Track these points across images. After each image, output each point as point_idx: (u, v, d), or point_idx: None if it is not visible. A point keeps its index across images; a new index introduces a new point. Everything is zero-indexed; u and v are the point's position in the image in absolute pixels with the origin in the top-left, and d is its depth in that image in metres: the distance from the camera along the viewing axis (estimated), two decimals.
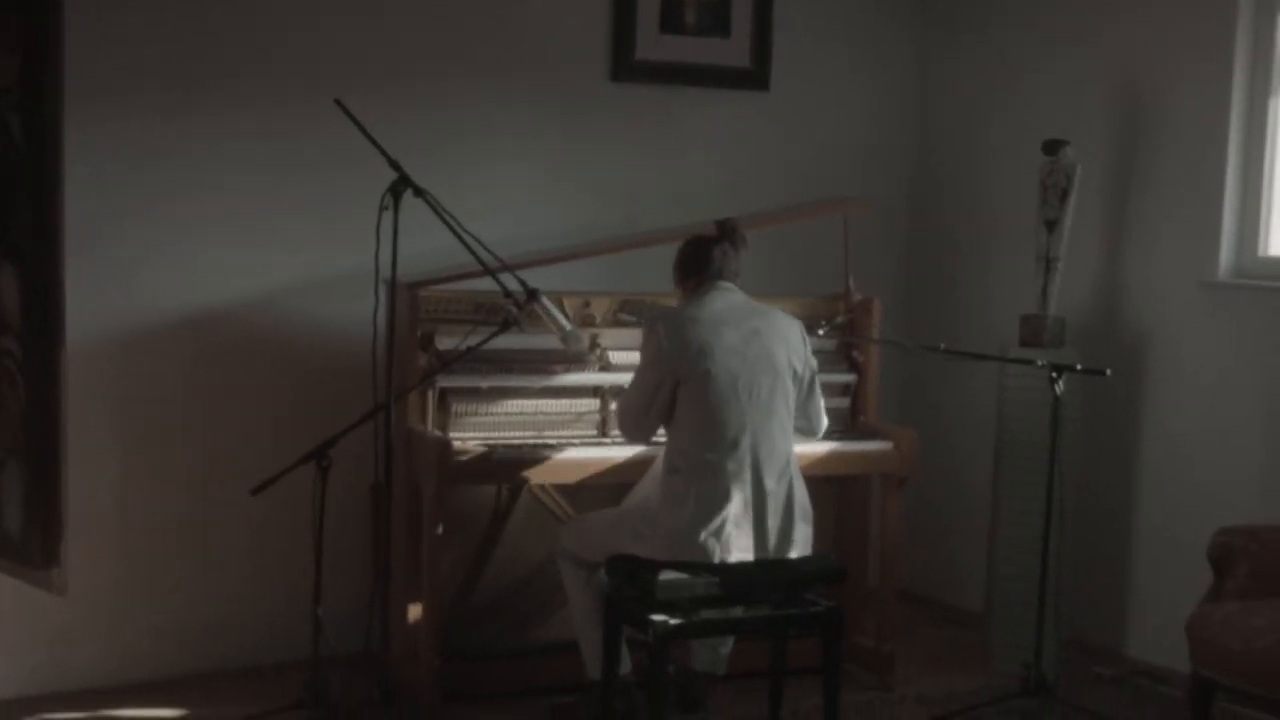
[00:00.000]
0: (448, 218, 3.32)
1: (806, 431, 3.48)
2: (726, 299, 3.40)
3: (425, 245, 3.65)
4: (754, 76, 4.68)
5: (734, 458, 3.30)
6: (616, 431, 3.65)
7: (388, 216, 3.28)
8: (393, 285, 3.32)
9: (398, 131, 3.67)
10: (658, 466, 3.44)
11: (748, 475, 3.30)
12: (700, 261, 3.46)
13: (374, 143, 3.29)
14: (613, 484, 3.71)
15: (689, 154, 4.61)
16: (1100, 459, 4.39)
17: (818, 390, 3.53)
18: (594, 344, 3.91)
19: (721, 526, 3.26)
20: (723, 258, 3.42)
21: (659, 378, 3.30)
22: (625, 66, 4.45)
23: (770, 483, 3.32)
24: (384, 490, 3.38)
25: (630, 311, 3.94)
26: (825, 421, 3.58)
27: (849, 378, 4.23)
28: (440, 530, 3.55)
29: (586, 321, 3.90)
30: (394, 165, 3.32)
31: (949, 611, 4.92)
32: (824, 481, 4.03)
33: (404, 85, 4.10)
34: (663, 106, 4.55)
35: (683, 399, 3.30)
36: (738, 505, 3.28)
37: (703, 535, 3.25)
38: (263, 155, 3.97)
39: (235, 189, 3.95)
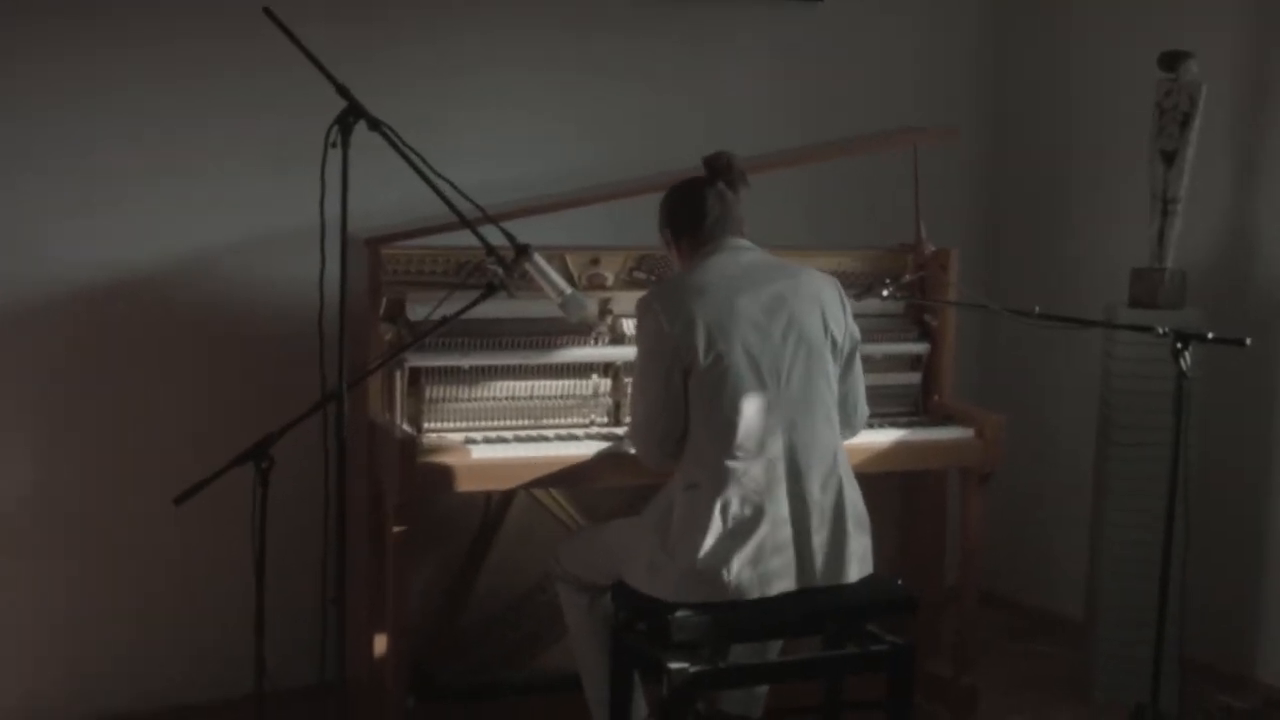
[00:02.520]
0: (409, 153, 2.97)
1: (839, 425, 3.19)
2: (737, 258, 3.11)
3: (395, 196, 3.48)
4: None
5: (765, 462, 3.00)
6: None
7: (337, 158, 2.94)
8: (343, 240, 2.96)
9: (373, 67, 3.62)
10: (673, 480, 3.15)
11: (783, 483, 3.01)
12: (692, 212, 3.16)
13: (313, 59, 2.94)
14: (633, 486, 3.51)
15: (723, 81, 4.53)
16: (1227, 446, 4.27)
17: (858, 367, 3.24)
18: (604, 310, 3.67)
19: (758, 554, 2.97)
20: (720, 203, 3.14)
21: (664, 368, 3.02)
22: None
23: (814, 489, 3.03)
24: (334, 503, 3.05)
25: (648, 270, 3.72)
26: (865, 411, 3.31)
27: (920, 348, 4.02)
28: (406, 548, 3.29)
29: (595, 283, 3.69)
30: (341, 90, 2.96)
31: (1040, 618, 4.88)
32: (885, 477, 3.82)
33: (379, 10, 4.04)
34: (692, 26, 4.47)
35: (695, 394, 3.02)
36: (775, 523, 2.99)
37: (734, 568, 2.96)
38: (188, 89, 3.86)
39: (155, 131, 3.84)
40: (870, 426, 3.51)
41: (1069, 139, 4.79)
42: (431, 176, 2.99)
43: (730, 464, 2.99)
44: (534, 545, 3.77)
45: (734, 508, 2.98)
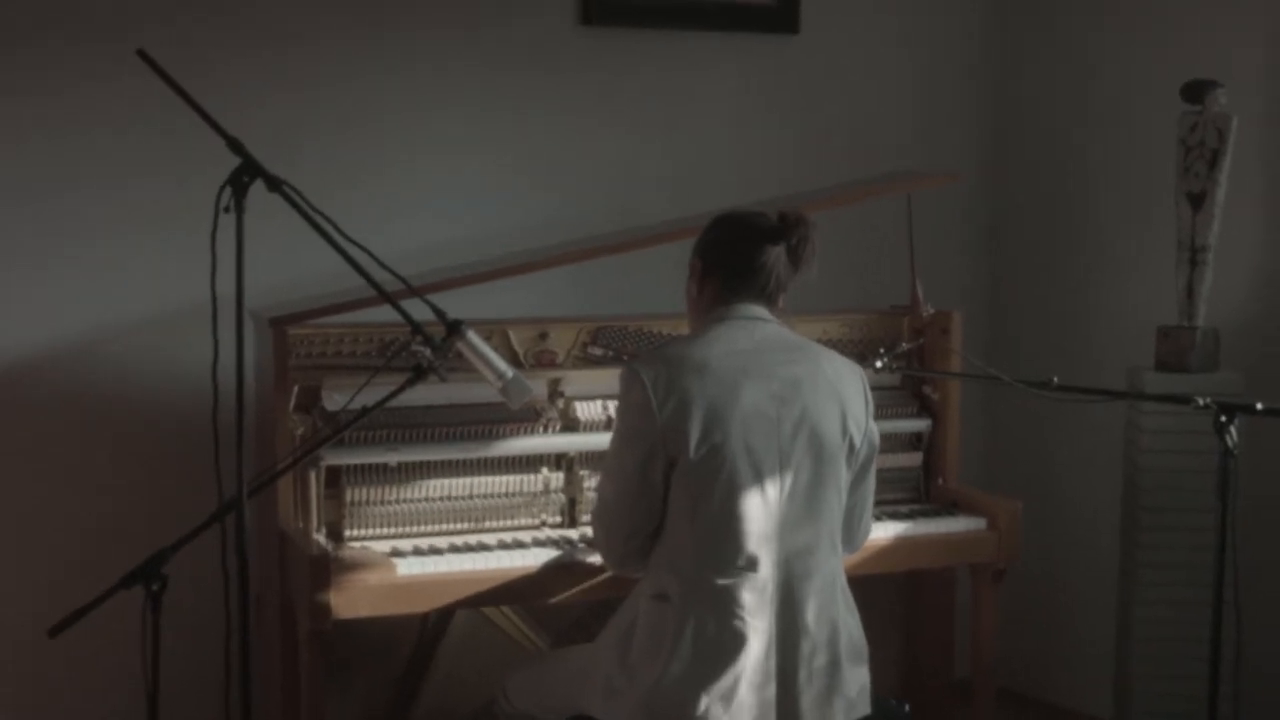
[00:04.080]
0: (315, 217, 2.82)
1: (842, 541, 3.03)
2: (750, 332, 2.87)
3: (305, 269, 3.48)
4: (778, 16, 4.59)
5: (753, 582, 2.77)
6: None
7: (231, 225, 2.80)
8: (238, 319, 2.82)
9: (278, 117, 3.72)
10: (640, 587, 2.95)
11: (773, 608, 2.79)
12: (742, 256, 2.91)
13: (198, 109, 2.80)
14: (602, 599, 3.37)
15: (691, 123, 4.50)
16: (1273, 527, 4.13)
17: (871, 478, 3.04)
18: (555, 393, 3.55)
19: (733, 689, 2.74)
20: (776, 265, 2.91)
21: (643, 455, 2.79)
22: (601, 3, 4.31)
23: (808, 619, 2.81)
24: (235, 632, 2.87)
25: (605, 344, 3.64)
26: (870, 527, 3.14)
27: (921, 425, 3.94)
28: (321, 680, 3.14)
29: (544, 360, 3.59)
30: (233, 144, 2.81)
31: (1063, 716, 4.78)
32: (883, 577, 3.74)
33: (282, 49, 3.96)
34: (657, 60, 4.44)
35: (678, 489, 2.79)
36: (757, 654, 2.76)
37: (703, 704, 2.73)
38: (59, 149, 3.78)
39: (23, 200, 3.76)
40: None
41: (1083, 183, 4.70)
42: (342, 244, 2.83)
43: (712, 579, 2.76)
44: (480, 663, 3.65)
45: (710, 630, 2.75)
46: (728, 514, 2.75)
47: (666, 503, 2.80)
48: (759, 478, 2.76)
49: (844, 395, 2.87)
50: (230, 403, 2.87)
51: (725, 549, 2.76)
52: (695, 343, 2.84)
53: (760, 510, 2.76)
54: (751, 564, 2.76)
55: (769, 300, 2.90)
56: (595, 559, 3.17)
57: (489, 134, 4.17)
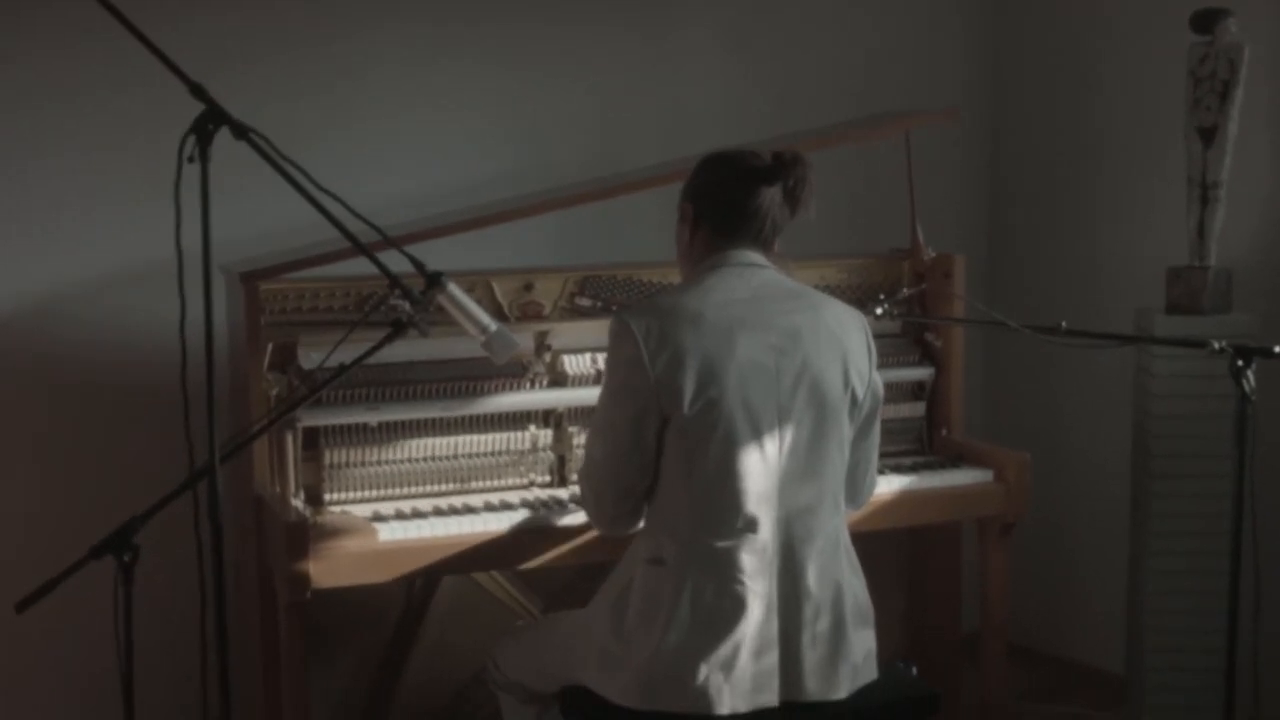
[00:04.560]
0: (285, 165, 2.75)
1: (846, 498, 2.98)
2: (746, 279, 2.81)
3: (277, 221, 3.49)
4: None
5: (753, 544, 2.71)
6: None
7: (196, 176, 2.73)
8: (205, 273, 2.76)
9: (253, 68, 3.72)
10: (634, 548, 2.89)
11: (774, 571, 2.73)
12: (735, 199, 2.85)
13: (156, 51, 2.73)
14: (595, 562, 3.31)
15: (678, 69, 4.47)
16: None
17: (876, 432, 2.99)
18: (542, 345, 3.52)
19: (733, 657, 2.69)
20: (772, 208, 2.84)
21: (635, 411, 2.72)
22: None
23: (809, 581, 2.75)
24: (211, 603, 2.81)
25: (594, 294, 3.61)
26: (875, 482, 3.09)
27: (923, 373, 3.92)
28: (302, 651, 3.08)
29: (529, 312, 3.57)
30: (195, 90, 2.73)
31: (1075, 675, 4.79)
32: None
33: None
34: (641, 5, 4.42)
35: (672, 447, 2.72)
36: (758, 620, 2.71)
37: (702, 672, 2.67)
38: (24, 103, 3.73)
39: None
40: None
41: (1088, 118, 4.67)
42: (314, 192, 2.77)
43: (710, 541, 2.70)
44: (470, 629, 3.65)
45: (708, 595, 2.70)
46: (725, 473, 2.69)
47: (660, 461, 2.75)
48: (757, 434, 2.70)
49: (846, 345, 2.80)
50: (201, 363, 2.81)
51: (723, 510, 2.71)
52: (689, 292, 2.76)
53: (759, 468, 2.70)
54: (751, 525, 2.71)
55: (764, 245, 2.83)
56: (583, 520, 3.11)
57: (468, 83, 4.14)
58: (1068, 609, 4.80)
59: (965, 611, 4.07)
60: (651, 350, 2.67)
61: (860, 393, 2.81)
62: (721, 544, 2.70)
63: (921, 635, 4.05)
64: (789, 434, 2.72)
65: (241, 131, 2.73)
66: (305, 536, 2.97)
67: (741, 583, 2.69)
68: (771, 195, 2.80)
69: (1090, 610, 4.70)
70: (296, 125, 3.57)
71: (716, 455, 2.67)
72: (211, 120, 2.73)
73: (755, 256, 2.80)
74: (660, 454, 2.73)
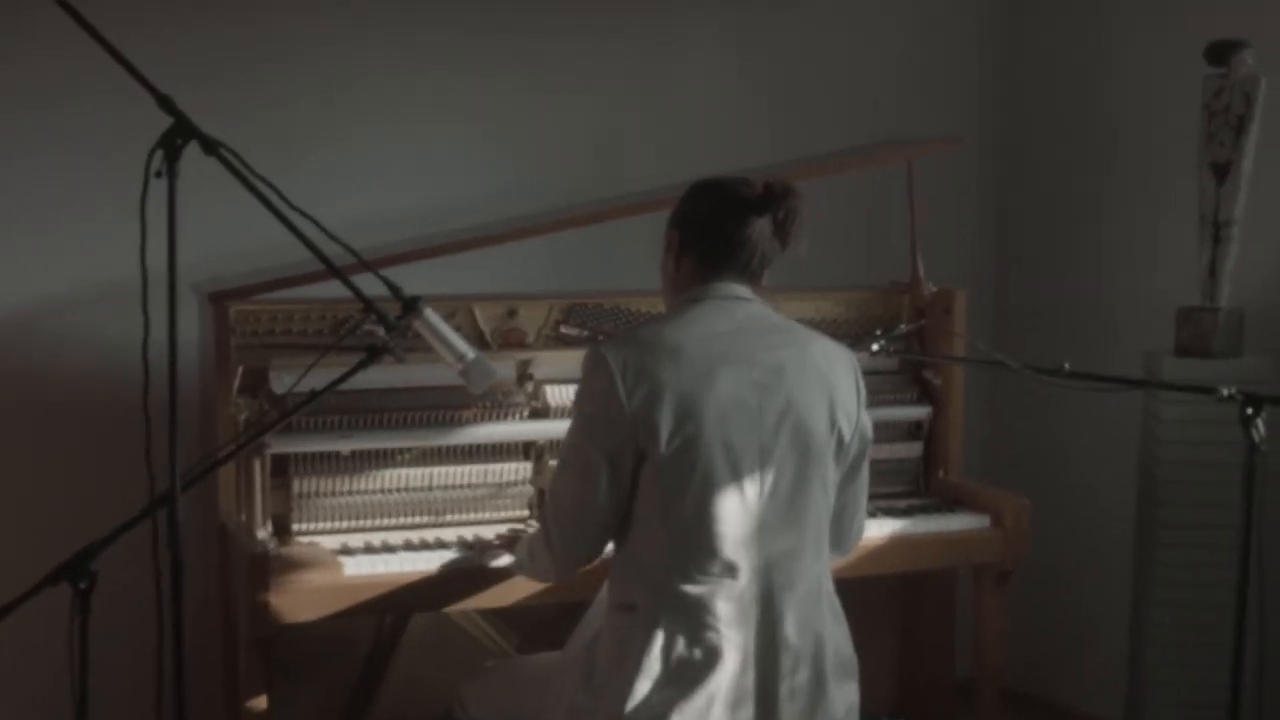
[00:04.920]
0: (255, 182, 2.72)
1: (831, 544, 2.93)
2: (733, 314, 2.76)
3: (250, 241, 3.44)
4: None
5: (730, 590, 2.65)
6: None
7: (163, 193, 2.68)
8: (171, 293, 2.69)
9: (228, 82, 3.73)
10: (603, 595, 2.84)
11: (752, 620, 2.67)
12: (724, 229, 2.79)
13: (123, 62, 2.69)
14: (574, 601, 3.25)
15: (671, 86, 4.48)
16: None
17: (864, 475, 2.93)
18: (524, 375, 3.50)
19: (706, 710, 2.63)
20: (761, 240, 2.79)
21: (610, 447, 2.67)
22: None
23: (789, 631, 2.69)
24: (168, 636, 2.76)
25: (580, 323, 3.59)
26: (863, 528, 3.02)
27: (920, 412, 3.90)
28: (266, 688, 3.04)
29: (512, 340, 3.54)
30: (163, 102, 2.69)
31: (1073, 719, 4.80)
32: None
33: (232, 10, 3.94)
34: (642, 20, 4.42)
35: (646, 488, 2.66)
36: (733, 671, 2.65)
37: None
38: None
39: None
40: None
41: (1098, 152, 4.66)
42: (287, 213, 2.73)
43: (684, 587, 2.64)
44: (441, 666, 3.60)
45: (680, 645, 2.64)
46: (702, 515, 2.63)
47: (633, 501, 2.70)
48: (737, 475, 2.64)
49: (833, 384, 2.75)
50: (164, 384, 2.72)
51: (699, 554, 2.64)
52: (669, 324, 2.71)
53: (738, 511, 2.64)
54: (728, 570, 2.64)
55: (752, 278, 2.78)
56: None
57: (454, 99, 4.13)
58: (1068, 655, 4.75)
59: (960, 656, 4.04)
60: (628, 384, 2.61)
61: (847, 434, 2.76)
62: (696, 590, 2.63)
63: (914, 683, 4.01)
64: (770, 475, 2.66)
65: (211, 146, 2.68)
66: (267, 569, 2.93)
67: (717, 630, 2.63)
68: (761, 227, 2.74)
69: (1091, 658, 4.65)
70: (274, 140, 3.63)
71: (694, 496, 2.61)
72: (180, 134, 2.67)
73: (741, 289, 2.75)
74: (634, 495, 2.68)
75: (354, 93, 3.97)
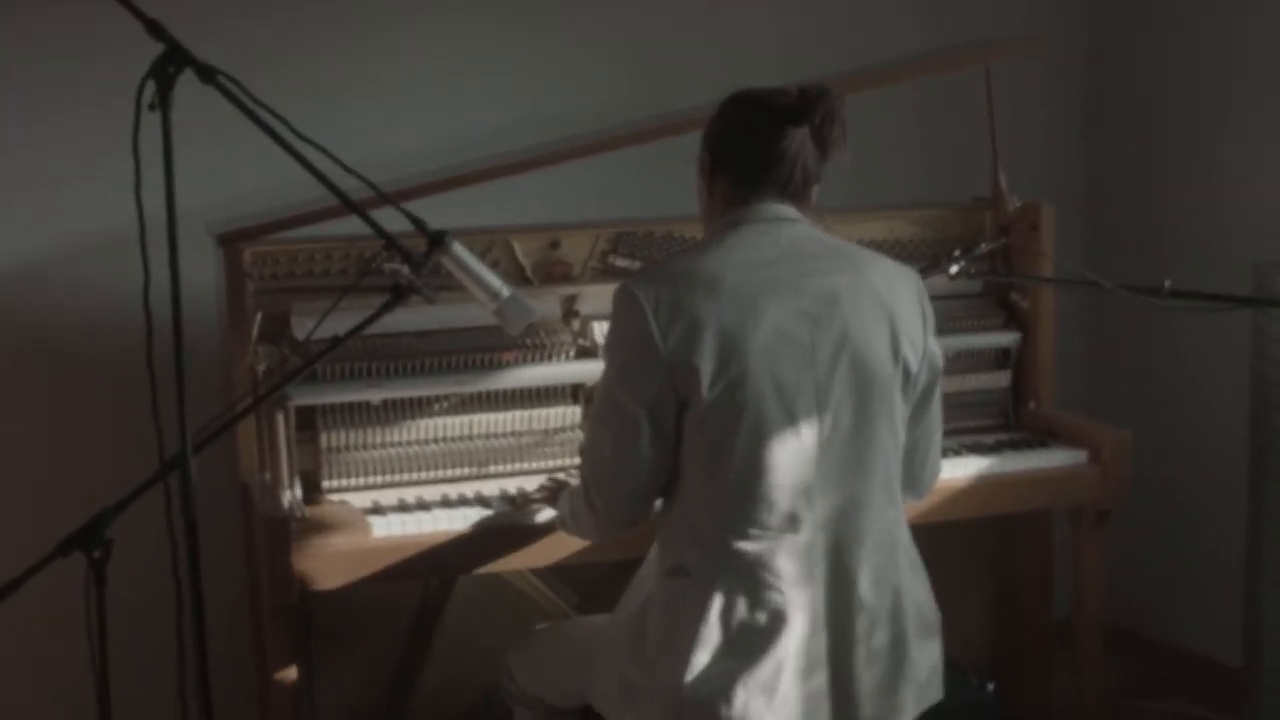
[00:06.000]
0: (257, 110, 2.67)
1: (903, 487, 2.85)
2: (774, 235, 2.65)
3: (262, 180, 3.43)
4: None
5: (793, 546, 2.57)
6: None
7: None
8: (170, 236, 2.65)
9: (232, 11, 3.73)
10: (652, 559, 2.75)
11: (820, 578, 2.59)
12: (758, 145, 2.70)
13: None
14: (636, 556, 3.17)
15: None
16: None
17: (936, 408, 2.82)
18: (569, 312, 3.45)
19: (774, 679, 2.56)
20: (800, 153, 2.68)
21: (649, 395, 2.59)
22: None
23: (864, 587, 2.61)
24: (188, 607, 2.76)
25: (629, 253, 3.55)
26: (938, 469, 2.92)
27: (1008, 339, 3.85)
28: (296, 659, 3.03)
29: (556, 274, 3.49)
30: (151, 27, 2.64)
31: (1185, 667, 4.72)
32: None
33: None
34: None
35: (691, 438, 2.58)
36: (802, 635, 2.58)
37: (739, 699, 2.55)
38: None
39: None
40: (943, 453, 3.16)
41: (1206, 43, 4.53)
42: (292, 140, 2.69)
43: (740, 545, 2.55)
44: (493, 630, 3.58)
45: (740, 609, 2.56)
46: (755, 464, 2.54)
47: (678, 454, 2.61)
48: (791, 418, 2.54)
49: (894, 309, 2.64)
50: (166, 333, 2.73)
51: (753, 508, 2.56)
52: (706, 253, 2.61)
53: (795, 458, 2.54)
54: (789, 524, 2.56)
55: (795, 197, 2.66)
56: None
57: (485, 16, 4.09)
58: (1178, 595, 4.72)
59: (1060, 599, 4.02)
60: (663, 323, 2.51)
61: (914, 365, 2.65)
62: (754, 548, 2.55)
63: (1008, 634, 3.98)
64: (829, 417, 2.57)
65: (208, 74, 2.64)
66: (287, 532, 2.90)
67: (781, 592, 2.54)
68: (800, 137, 2.62)
69: (1204, 598, 4.60)
70: (291, 74, 3.62)
71: (744, 444, 2.52)
72: (172, 61, 2.63)
73: (785, 210, 2.64)
74: (678, 445, 2.59)
75: (372, 23, 3.94)
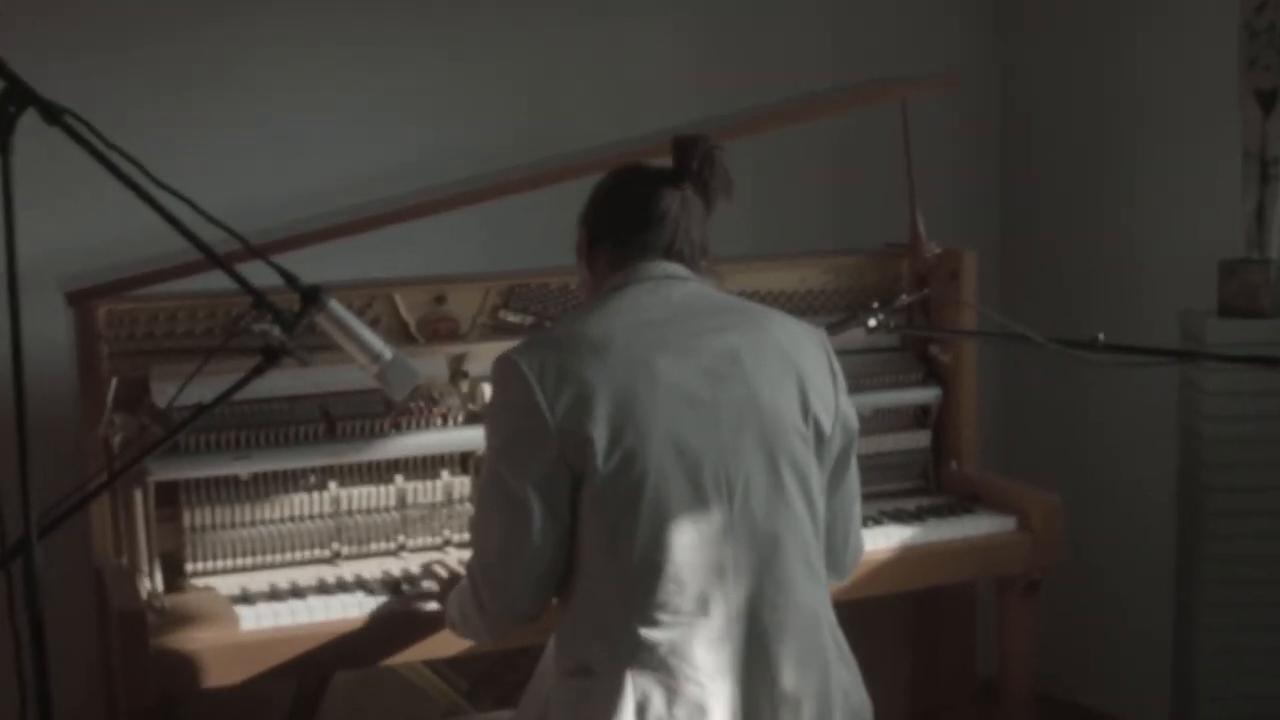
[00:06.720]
0: (109, 154, 2.54)
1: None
2: (665, 293, 2.59)
3: (123, 231, 3.29)
4: None
5: (708, 631, 2.44)
6: None
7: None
8: (12, 293, 2.48)
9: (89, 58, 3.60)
10: (550, 656, 2.62)
11: (738, 666, 2.46)
12: (630, 211, 2.64)
13: None
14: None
15: (630, 24, 4.36)
16: None
17: (853, 475, 2.74)
18: (458, 373, 3.36)
19: None
20: (681, 214, 2.63)
21: (536, 473, 2.47)
22: None
23: (786, 675, 2.48)
24: (27, 716, 2.56)
25: (522, 308, 3.50)
26: (861, 545, 2.85)
27: (927, 395, 3.83)
28: None
29: (441, 330, 3.43)
30: None
31: None
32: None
33: None
34: None
35: (588, 518, 2.46)
36: None
37: None
38: None
39: None
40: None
41: (1119, 82, 4.54)
42: (148, 186, 2.55)
43: (650, 633, 2.41)
44: None
45: (656, 707, 2.40)
46: (660, 542, 2.41)
47: (575, 538, 2.48)
48: (697, 487, 2.42)
49: (801, 367, 2.54)
50: (33, 403, 2.51)
51: (662, 590, 2.42)
52: (590, 315, 2.51)
53: (705, 534, 2.42)
54: (701, 607, 2.42)
55: (682, 261, 2.60)
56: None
57: (361, 50, 3.99)
58: (1105, 662, 4.68)
59: (983, 663, 4.02)
60: (549, 391, 2.39)
61: (826, 426, 2.55)
62: (665, 635, 2.40)
63: (927, 702, 3.97)
64: (740, 484, 2.45)
65: (54, 113, 2.48)
66: (145, 627, 2.72)
67: (699, 684, 2.39)
68: (679, 199, 2.59)
69: (1132, 665, 4.57)
70: (147, 113, 3.54)
71: (647, 519, 2.39)
72: (13, 101, 2.47)
73: (673, 268, 2.56)
74: (573, 528, 2.46)
75: (230, 54, 3.82)
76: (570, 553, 2.46)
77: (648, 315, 2.47)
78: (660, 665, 2.40)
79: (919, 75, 4.22)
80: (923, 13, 4.73)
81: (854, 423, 2.63)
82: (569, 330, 2.48)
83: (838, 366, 2.61)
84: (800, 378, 2.51)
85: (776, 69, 4.43)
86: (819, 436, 2.53)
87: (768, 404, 2.48)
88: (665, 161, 2.82)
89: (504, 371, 2.43)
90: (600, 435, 2.36)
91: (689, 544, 2.41)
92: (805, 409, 2.51)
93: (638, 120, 3.83)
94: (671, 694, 2.39)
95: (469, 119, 4.11)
